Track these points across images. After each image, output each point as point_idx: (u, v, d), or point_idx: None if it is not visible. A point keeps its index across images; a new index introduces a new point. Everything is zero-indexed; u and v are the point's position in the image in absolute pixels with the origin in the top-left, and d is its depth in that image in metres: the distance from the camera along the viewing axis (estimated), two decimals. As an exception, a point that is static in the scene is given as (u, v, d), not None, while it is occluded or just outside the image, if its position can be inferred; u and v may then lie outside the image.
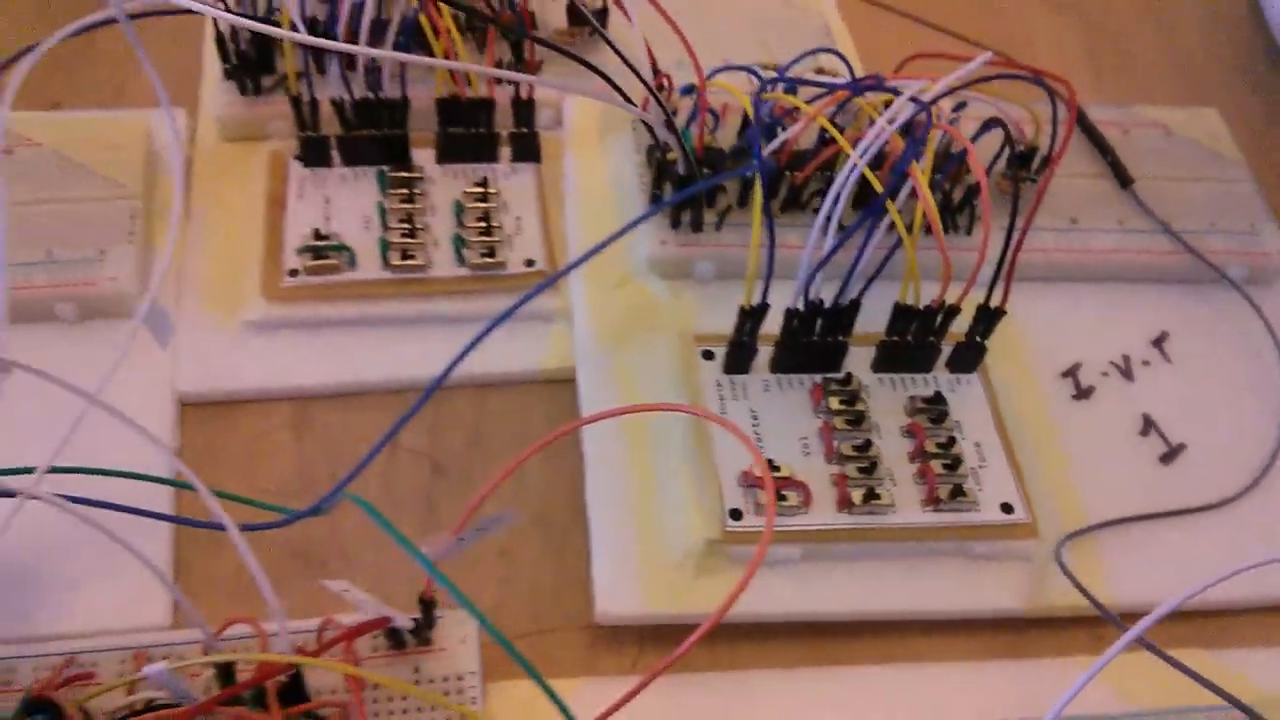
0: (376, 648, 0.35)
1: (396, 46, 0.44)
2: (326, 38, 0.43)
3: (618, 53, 0.41)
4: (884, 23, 0.59)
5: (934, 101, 0.39)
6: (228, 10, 0.36)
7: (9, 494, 0.34)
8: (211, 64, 0.50)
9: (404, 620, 0.34)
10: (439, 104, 0.45)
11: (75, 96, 0.52)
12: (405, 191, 0.45)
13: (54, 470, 0.34)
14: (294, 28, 0.41)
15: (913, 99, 0.38)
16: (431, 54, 0.44)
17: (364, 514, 0.40)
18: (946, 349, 0.42)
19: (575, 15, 0.50)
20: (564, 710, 0.28)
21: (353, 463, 0.39)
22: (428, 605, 0.35)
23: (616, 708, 0.28)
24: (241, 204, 0.46)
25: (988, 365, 0.42)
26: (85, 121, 0.47)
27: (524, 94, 0.46)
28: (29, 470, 0.34)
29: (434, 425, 0.43)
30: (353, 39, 0.43)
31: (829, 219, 0.37)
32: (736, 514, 0.37)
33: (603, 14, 0.50)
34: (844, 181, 0.37)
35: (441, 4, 0.43)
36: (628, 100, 0.40)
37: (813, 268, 0.38)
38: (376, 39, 0.44)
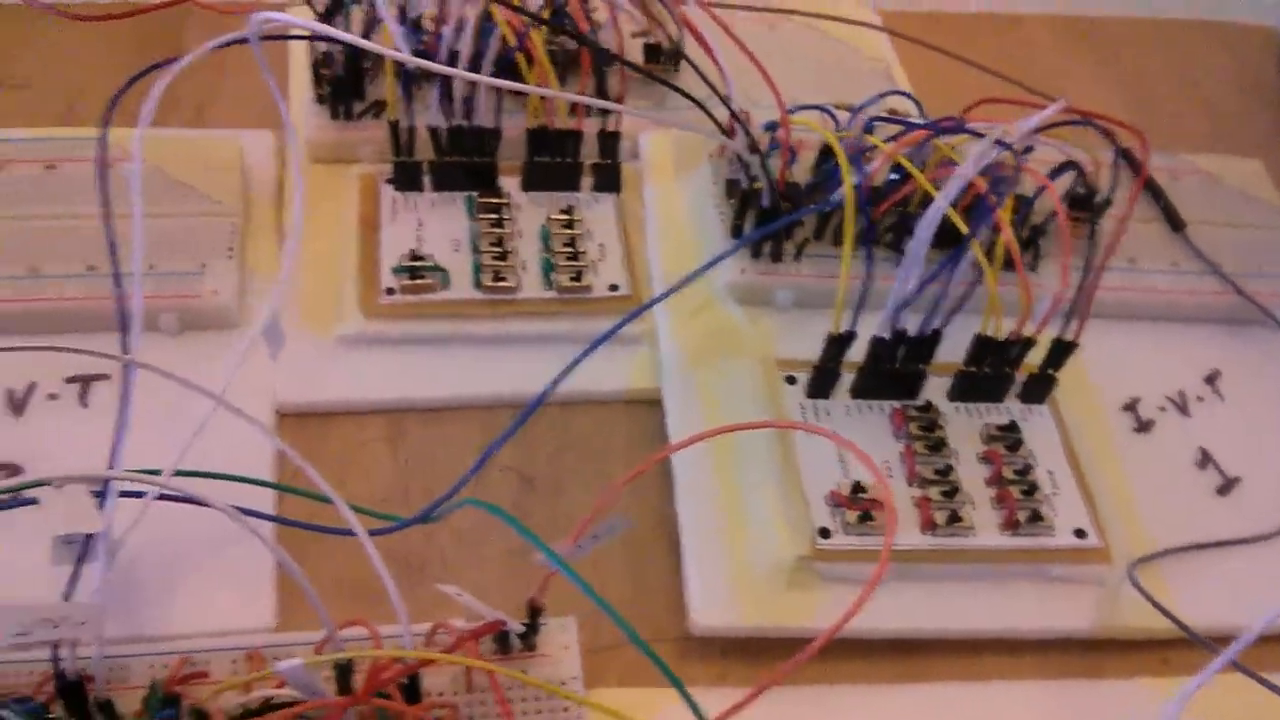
0: (483, 652, 0.37)
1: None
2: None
3: (711, 87, 0.43)
4: (938, 67, 0.61)
5: (1019, 146, 0.41)
6: (364, 38, 0.38)
7: (136, 494, 0.36)
8: (299, 87, 0.52)
9: (516, 625, 0.36)
10: (530, 134, 0.47)
11: (157, 115, 0.53)
12: (494, 216, 0.47)
13: (181, 473, 0.36)
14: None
15: (999, 142, 0.40)
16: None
17: (458, 524, 0.42)
18: (1017, 379, 0.44)
19: (651, 53, 0.52)
20: (697, 712, 0.29)
21: (446, 474, 0.41)
22: (535, 611, 0.36)
23: (735, 710, 0.30)
24: (331, 224, 0.48)
25: (1055, 396, 0.44)
26: (181, 139, 0.49)
27: (611, 126, 0.48)
28: (155, 471, 0.35)
29: (522, 440, 0.44)
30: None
31: (916, 255, 0.39)
32: (825, 532, 0.39)
33: (677, 54, 0.52)
34: (933, 220, 0.38)
35: (534, 36, 0.45)
36: (723, 131, 0.42)
37: (903, 300, 0.39)
38: (474, 70, 0.45)
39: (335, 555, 0.38)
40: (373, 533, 0.36)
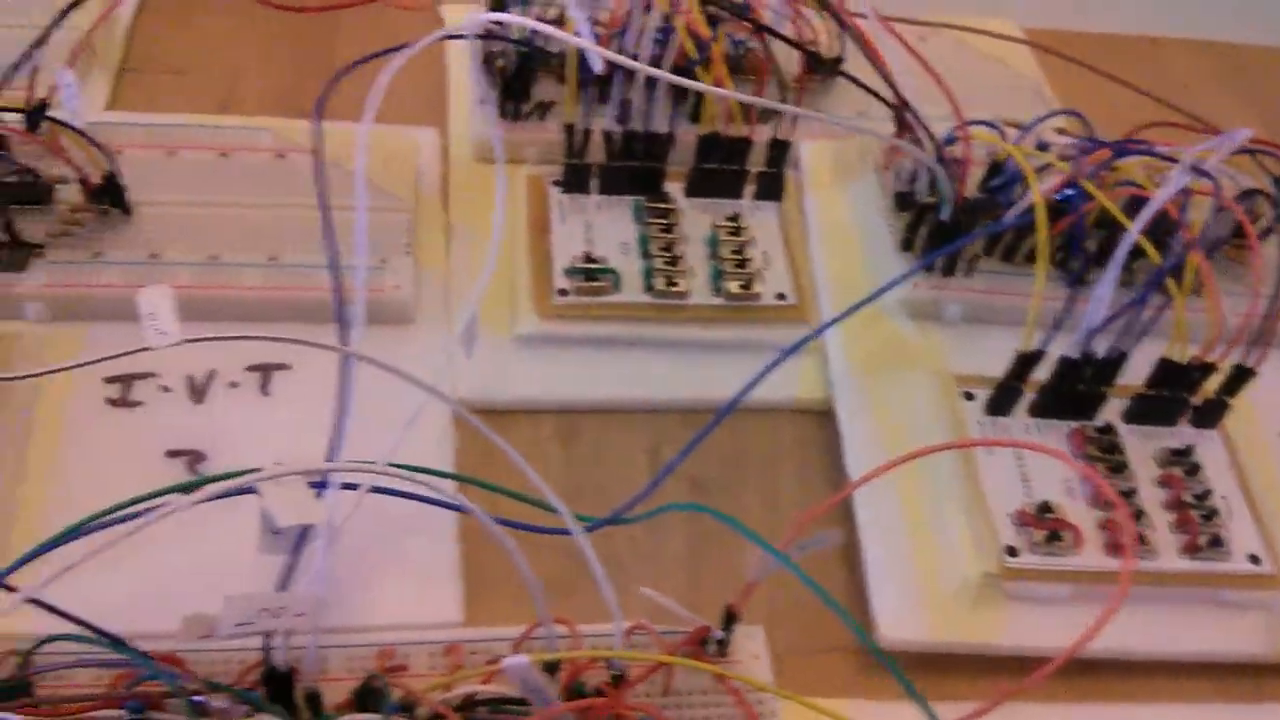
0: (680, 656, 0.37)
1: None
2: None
3: (878, 97, 0.44)
4: (1085, 85, 0.61)
5: (1211, 172, 0.41)
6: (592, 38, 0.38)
7: (351, 486, 0.36)
8: (462, 88, 0.52)
9: (718, 631, 0.36)
10: (701, 140, 0.47)
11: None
12: (663, 222, 0.47)
13: (395, 466, 0.36)
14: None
15: (1194, 168, 0.40)
16: (694, 93, 0.46)
17: (633, 528, 0.42)
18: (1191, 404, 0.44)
19: (812, 62, 0.52)
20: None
21: (617, 475, 0.41)
22: (731, 618, 0.36)
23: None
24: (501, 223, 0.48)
25: (1224, 423, 0.44)
26: (351, 133, 0.49)
27: (781, 134, 0.48)
28: (368, 464, 0.36)
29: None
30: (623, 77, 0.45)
31: (1111, 280, 0.39)
32: (1012, 551, 0.39)
33: (836, 64, 0.53)
34: (1128, 247, 0.38)
35: (715, 43, 0.45)
36: (915, 143, 0.42)
37: (1097, 324, 0.39)
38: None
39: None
40: (557, 532, 0.36)
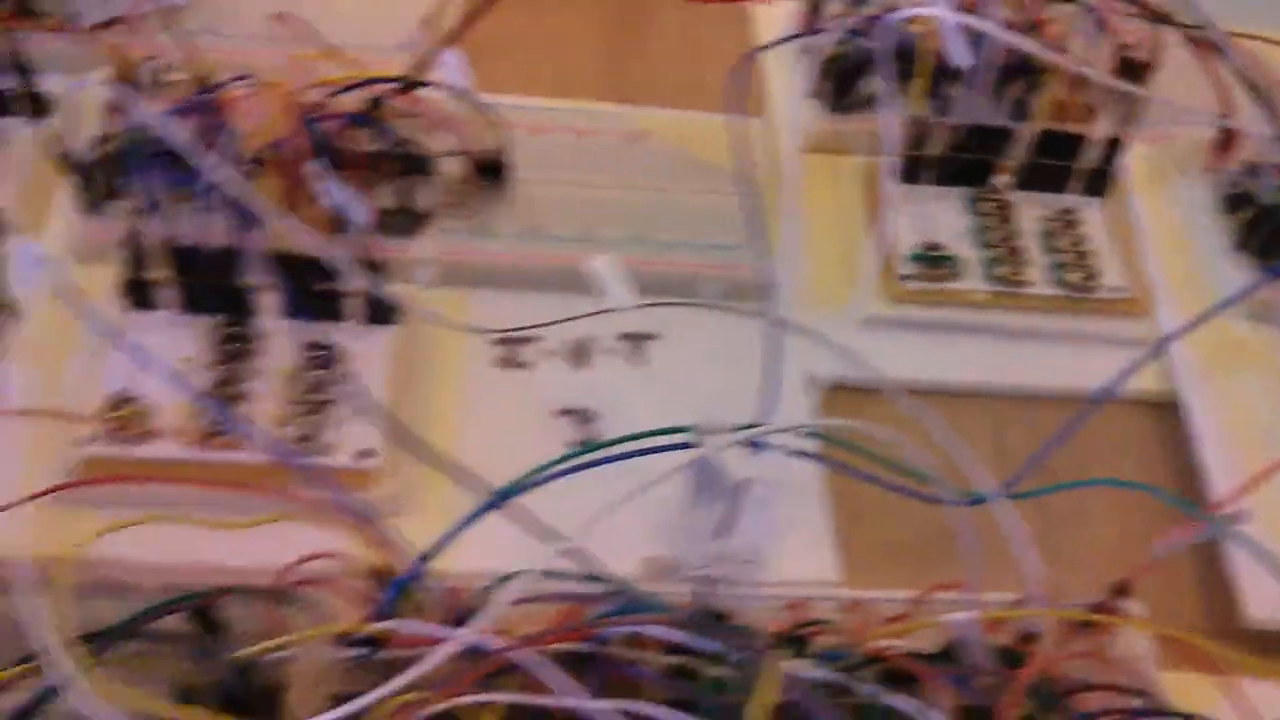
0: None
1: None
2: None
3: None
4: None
5: None
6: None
7: (760, 445, 0.38)
8: (783, 80, 0.54)
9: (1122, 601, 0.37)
10: (1042, 135, 0.49)
11: (639, 93, 0.56)
12: (997, 214, 0.49)
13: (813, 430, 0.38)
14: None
15: None
16: (1034, 89, 0.48)
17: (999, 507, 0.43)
18: None
19: (1126, 68, 0.54)
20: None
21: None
22: (1121, 592, 0.38)
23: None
24: (831, 212, 0.50)
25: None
26: (701, 121, 0.51)
27: (1117, 131, 0.49)
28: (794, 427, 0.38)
29: (1035, 432, 0.46)
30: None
31: None
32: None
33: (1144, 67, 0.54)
34: None
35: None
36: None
37: None
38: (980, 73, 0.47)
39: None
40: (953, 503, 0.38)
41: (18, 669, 0.31)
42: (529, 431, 0.42)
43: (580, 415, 0.43)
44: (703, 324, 0.46)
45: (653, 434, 0.35)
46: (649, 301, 0.37)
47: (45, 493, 0.36)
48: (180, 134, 0.34)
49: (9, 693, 0.30)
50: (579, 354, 0.45)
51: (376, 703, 0.29)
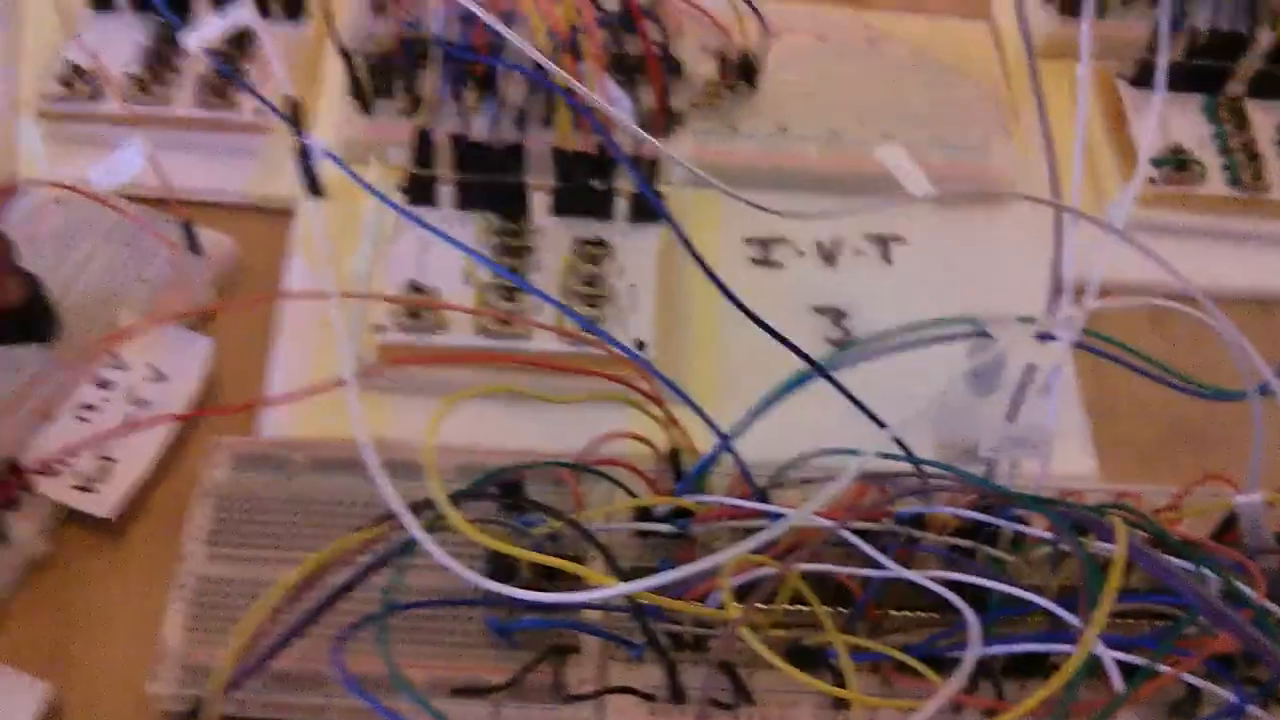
0: None
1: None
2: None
3: None
4: None
5: None
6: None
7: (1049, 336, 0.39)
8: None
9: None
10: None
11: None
12: (1236, 118, 0.49)
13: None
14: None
15: None
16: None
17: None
18: None
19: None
20: None
21: (1210, 360, 0.42)
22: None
23: None
24: (1068, 115, 0.50)
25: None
26: (939, 26, 0.52)
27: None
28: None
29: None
30: None
31: None
32: None
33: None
34: None
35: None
36: None
37: None
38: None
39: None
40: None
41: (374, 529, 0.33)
42: (785, 328, 0.43)
43: (833, 313, 0.44)
44: (945, 226, 0.46)
45: (942, 322, 0.36)
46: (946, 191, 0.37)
47: (364, 374, 0.38)
48: (491, 18, 0.35)
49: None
50: (828, 254, 0.46)
51: (718, 566, 0.31)
